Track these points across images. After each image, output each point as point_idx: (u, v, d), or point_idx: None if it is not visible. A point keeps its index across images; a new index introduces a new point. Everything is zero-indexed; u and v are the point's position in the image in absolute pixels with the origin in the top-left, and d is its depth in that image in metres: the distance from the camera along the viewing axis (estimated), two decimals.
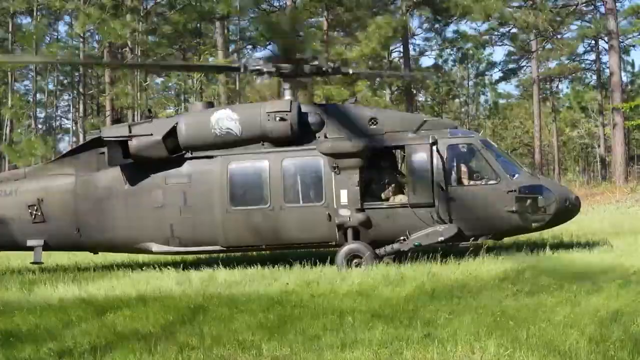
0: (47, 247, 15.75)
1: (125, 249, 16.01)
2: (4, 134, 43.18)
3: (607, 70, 52.15)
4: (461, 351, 7.69)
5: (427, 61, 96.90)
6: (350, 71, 17.72)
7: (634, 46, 59.17)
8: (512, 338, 8.05)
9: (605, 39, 50.49)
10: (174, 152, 15.13)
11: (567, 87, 66.87)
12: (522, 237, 16.83)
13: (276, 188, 14.80)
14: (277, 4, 50.91)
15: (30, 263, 15.86)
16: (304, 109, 15.27)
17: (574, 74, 63.30)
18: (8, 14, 43.68)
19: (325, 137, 15.01)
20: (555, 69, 62.03)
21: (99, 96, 52.05)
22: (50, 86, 47.85)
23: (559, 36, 55.50)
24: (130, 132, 15.09)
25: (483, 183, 14.65)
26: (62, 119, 62.65)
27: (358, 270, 13.42)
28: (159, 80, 52.51)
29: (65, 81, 55.33)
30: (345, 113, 15.39)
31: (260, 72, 15.45)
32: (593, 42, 58.57)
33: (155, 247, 15.27)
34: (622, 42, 53.59)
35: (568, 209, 14.97)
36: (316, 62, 15.68)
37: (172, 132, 15.07)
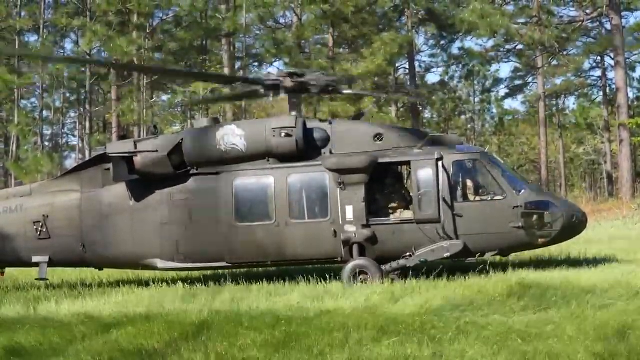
0: (52, 263, 15.72)
1: (130, 266, 15.98)
2: (11, 150, 43.28)
3: (613, 87, 52.14)
4: None
5: (433, 78, 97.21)
6: (352, 91, 17.72)
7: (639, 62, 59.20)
8: (520, 355, 7.99)
9: (611, 55, 50.50)
10: (179, 168, 15.12)
11: (574, 104, 66.85)
12: (529, 253, 16.75)
13: (282, 204, 14.77)
14: (283, 21, 51.18)
15: (35, 279, 15.84)
16: (309, 124, 15.26)
17: (580, 90, 63.23)
18: (15, 32, 43.88)
19: (331, 152, 15.00)
20: (561, 85, 61.95)
21: (106, 113, 52.16)
22: (57, 103, 47.98)
23: (564, 52, 55.51)
24: (135, 148, 15.10)
25: (489, 199, 14.59)
26: (69, 136, 62.82)
27: (364, 287, 13.32)
28: (165, 97, 52.67)
29: (71, 98, 55.52)
30: (351, 129, 15.38)
31: (273, 87, 15.42)
32: (599, 58, 58.57)
33: (160, 263, 15.22)
34: (628, 58, 53.50)
35: (575, 225, 14.85)
36: (321, 79, 15.70)
37: (178, 148, 15.07)
